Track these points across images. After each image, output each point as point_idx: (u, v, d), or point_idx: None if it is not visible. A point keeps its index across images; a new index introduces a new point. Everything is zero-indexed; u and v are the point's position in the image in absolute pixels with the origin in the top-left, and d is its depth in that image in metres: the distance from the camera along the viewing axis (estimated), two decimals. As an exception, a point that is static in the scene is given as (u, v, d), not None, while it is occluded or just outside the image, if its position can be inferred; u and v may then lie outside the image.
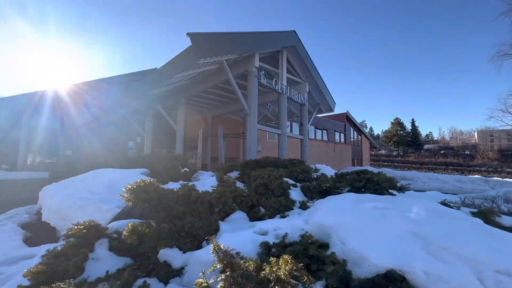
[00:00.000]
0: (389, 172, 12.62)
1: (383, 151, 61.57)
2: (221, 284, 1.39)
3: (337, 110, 17.51)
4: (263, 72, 10.27)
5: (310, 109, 16.18)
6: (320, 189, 3.43)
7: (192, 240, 2.27)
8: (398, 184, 3.67)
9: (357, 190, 3.52)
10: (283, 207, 2.88)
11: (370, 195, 2.98)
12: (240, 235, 2.21)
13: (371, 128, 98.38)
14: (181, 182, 4.47)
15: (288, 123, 16.65)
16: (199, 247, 2.27)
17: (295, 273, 1.51)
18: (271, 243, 2.05)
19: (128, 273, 1.80)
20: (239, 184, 3.94)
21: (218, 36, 7.34)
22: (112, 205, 3.55)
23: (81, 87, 17.26)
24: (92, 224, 2.22)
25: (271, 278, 1.32)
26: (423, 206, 2.54)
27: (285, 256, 1.42)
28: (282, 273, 1.31)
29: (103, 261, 2.08)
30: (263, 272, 1.39)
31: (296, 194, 3.50)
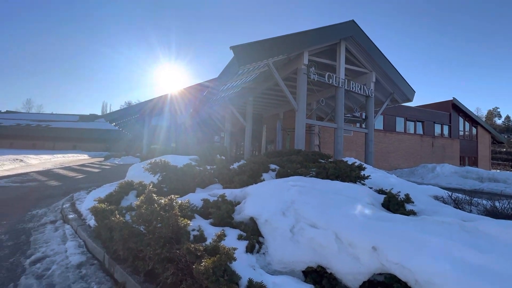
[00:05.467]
0: (472, 171, 10.25)
1: (521, 148, 45.95)
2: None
3: (451, 95, 15.14)
4: (313, 68, 10.63)
5: (381, 99, 14.94)
6: (286, 173, 4.10)
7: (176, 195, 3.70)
8: (363, 173, 3.80)
9: (317, 175, 3.94)
10: (244, 183, 3.84)
11: (306, 178, 3.47)
12: (200, 195, 3.43)
13: (507, 118, 74.44)
14: (214, 166, 5.99)
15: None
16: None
17: (189, 213, 2.64)
18: (211, 200, 3.18)
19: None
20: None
21: (259, 44, 8.46)
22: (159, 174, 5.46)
23: (183, 91, 21.64)
24: (129, 181, 3.99)
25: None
26: (331, 188, 2.92)
27: (185, 203, 2.57)
28: (176, 210, 2.46)
29: (130, 200, 3.79)
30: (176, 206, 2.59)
31: (268, 176, 4.32)
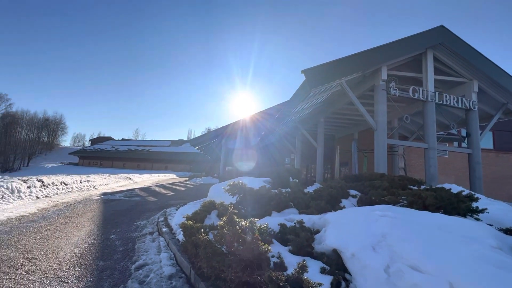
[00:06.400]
0: None
1: None
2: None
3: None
4: (393, 83, 9.67)
5: (489, 112, 12.24)
6: (370, 200, 3.56)
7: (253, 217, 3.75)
8: (475, 205, 2.83)
9: (410, 205, 3.21)
10: (322, 209, 3.55)
11: (397, 207, 2.85)
12: (277, 219, 3.36)
13: None
14: (287, 189, 5.96)
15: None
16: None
17: (267, 237, 2.58)
18: (288, 225, 3.07)
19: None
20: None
21: (331, 64, 8.33)
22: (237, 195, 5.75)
23: (255, 116, 22.98)
24: (211, 201, 4.31)
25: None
26: (433, 222, 2.28)
27: (264, 226, 2.55)
28: (257, 234, 2.49)
29: (212, 219, 4.06)
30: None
31: (349, 202, 3.85)
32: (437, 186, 5.54)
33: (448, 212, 3.00)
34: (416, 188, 4.56)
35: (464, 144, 14.85)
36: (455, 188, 4.55)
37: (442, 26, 10.24)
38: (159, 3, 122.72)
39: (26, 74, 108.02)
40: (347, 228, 2.55)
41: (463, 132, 13.33)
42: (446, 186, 6.12)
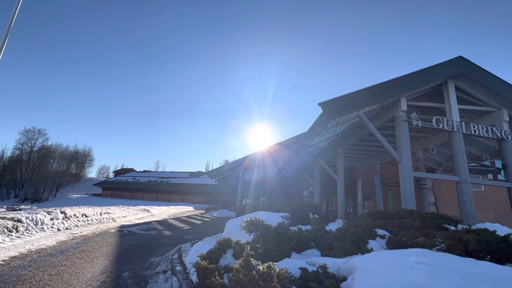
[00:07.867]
0: None
1: None
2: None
3: None
4: (415, 114, 9.41)
5: (526, 142, 11.35)
6: (401, 242, 3.15)
7: (270, 260, 3.46)
8: None
9: (450, 249, 2.78)
10: (347, 251, 3.20)
11: (434, 252, 2.48)
12: (297, 262, 3.07)
13: None
14: (307, 226, 5.63)
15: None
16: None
17: (287, 284, 2.32)
18: (310, 270, 2.78)
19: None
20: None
21: (348, 97, 8.33)
22: (254, 233, 5.46)
23: (272, 148, 23.00)
24: (226, 239, 4.11)
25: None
26: (483, 274, 1.91)
27: (283, 272, 2.32)
28: (275, 282, 2.28)
29: (228, 259, 3.82)
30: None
31: (377, 244, 3.45)
32: (478, 225, 4.98)
33: (497, 259, 2.58)
34: (453, 228, 4.09)
35: (500, 177, 13.64)
36: (499, 229, 4.04)
37: (460, 57, 10.15)
38: (180, 41, 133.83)
39: (63, 106, 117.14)
40: (378, 277, 2.25)
41: (498, 164, 12.35)
42: (488, 225, 5.47)
